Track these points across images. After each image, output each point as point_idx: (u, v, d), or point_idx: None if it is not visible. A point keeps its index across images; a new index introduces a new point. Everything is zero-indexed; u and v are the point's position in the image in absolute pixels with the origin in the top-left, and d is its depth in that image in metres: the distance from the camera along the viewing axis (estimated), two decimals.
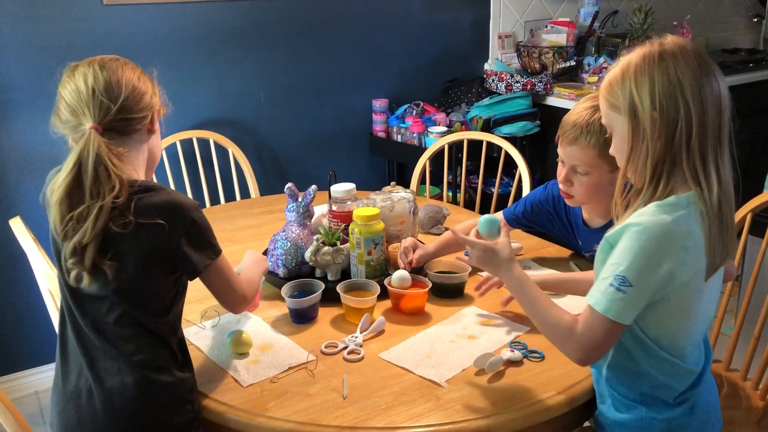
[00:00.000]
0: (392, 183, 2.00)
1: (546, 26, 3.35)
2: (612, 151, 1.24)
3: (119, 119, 1.23)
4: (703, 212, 1.13)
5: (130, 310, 1.22)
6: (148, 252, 1.21)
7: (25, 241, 1.68)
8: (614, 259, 1.14)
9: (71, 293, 1.24)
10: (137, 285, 1.22)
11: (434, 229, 2.07)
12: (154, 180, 1.40)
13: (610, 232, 1.17)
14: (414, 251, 1.75)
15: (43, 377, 2.74)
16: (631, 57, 1.18)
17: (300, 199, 1.75)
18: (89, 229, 1.15)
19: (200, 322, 1.57)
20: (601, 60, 3.27)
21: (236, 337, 1.44)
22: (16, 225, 1.71)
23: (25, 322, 2.67)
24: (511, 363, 1.38)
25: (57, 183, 1.17)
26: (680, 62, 1.12)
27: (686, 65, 1.12)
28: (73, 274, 1.18)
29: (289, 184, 1.75)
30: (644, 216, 1.13)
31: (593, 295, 1.15)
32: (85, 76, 1.22)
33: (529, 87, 3.10)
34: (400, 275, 1.62)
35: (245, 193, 2.85)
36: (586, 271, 1.68)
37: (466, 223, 1.87)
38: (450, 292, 1.67)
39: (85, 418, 1.22)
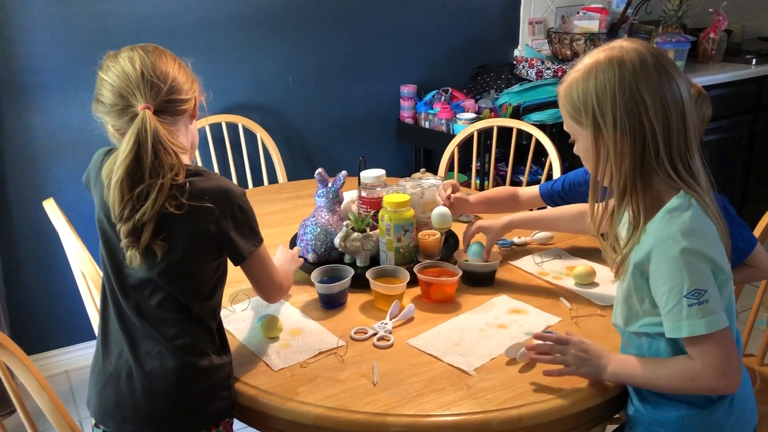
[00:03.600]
0: (422, 170, 1.99)
1: (578, 12, 3.29)
2: (578, 153, 1.23)
3: (169, 100, 1.23)
4: (702, 204, 1.13)
5: (175, 293, 1.23)
6: (197, 235, 1.22)
7: (59, 222, 1.69)
8: (669, 285, 1.10)
9: (115, 275, 1.25)
10: (183, 267, 1.23)
11: (462, 216, 2.06)
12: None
13: (635, 259, 1.15)
14: (453, 192, 1.82)
15: (73, 356, 2.79)
16: (590, 66, 1.15)
17: (330, 185, 1.75)
18: (149, 207, 1.16)
19: (230, 305, 1.58)
20: None
21: (267, 322, 1.45)
22: (50, 206, 1.72)
23: (56, 302, 2.71)
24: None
25: (116, 163, 1.17)
26: (640, 76, 1.11)
27: (646, 77, 1.11)
28: (129, 254, 1.19)
29: (319, 170, 1.74)
30: (664, 229, 1.11)
31: (682, 327, 1.09)
32: (131, 59, 1.22)
33: (560, 74, 3.06)
34: (440, 211, 1.62)
35: (273, 178, 2.85)
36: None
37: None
38: (480, 280, 1.66)
39: (123, 399, 1.23)
